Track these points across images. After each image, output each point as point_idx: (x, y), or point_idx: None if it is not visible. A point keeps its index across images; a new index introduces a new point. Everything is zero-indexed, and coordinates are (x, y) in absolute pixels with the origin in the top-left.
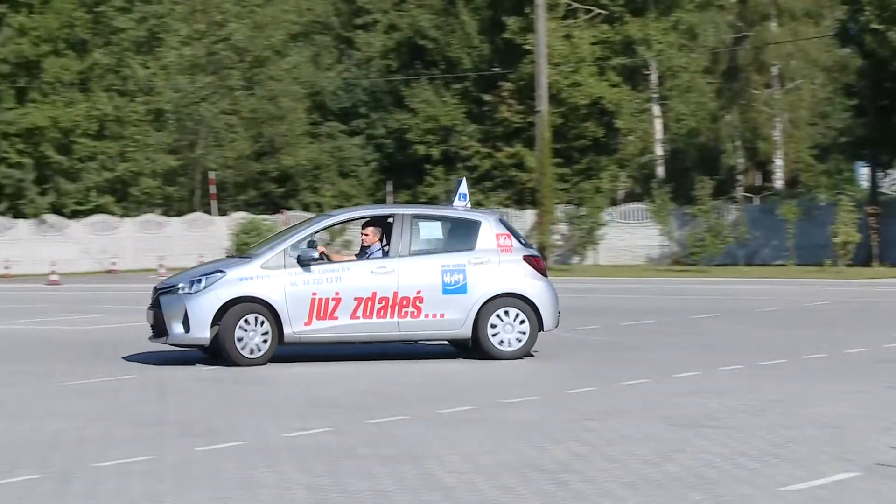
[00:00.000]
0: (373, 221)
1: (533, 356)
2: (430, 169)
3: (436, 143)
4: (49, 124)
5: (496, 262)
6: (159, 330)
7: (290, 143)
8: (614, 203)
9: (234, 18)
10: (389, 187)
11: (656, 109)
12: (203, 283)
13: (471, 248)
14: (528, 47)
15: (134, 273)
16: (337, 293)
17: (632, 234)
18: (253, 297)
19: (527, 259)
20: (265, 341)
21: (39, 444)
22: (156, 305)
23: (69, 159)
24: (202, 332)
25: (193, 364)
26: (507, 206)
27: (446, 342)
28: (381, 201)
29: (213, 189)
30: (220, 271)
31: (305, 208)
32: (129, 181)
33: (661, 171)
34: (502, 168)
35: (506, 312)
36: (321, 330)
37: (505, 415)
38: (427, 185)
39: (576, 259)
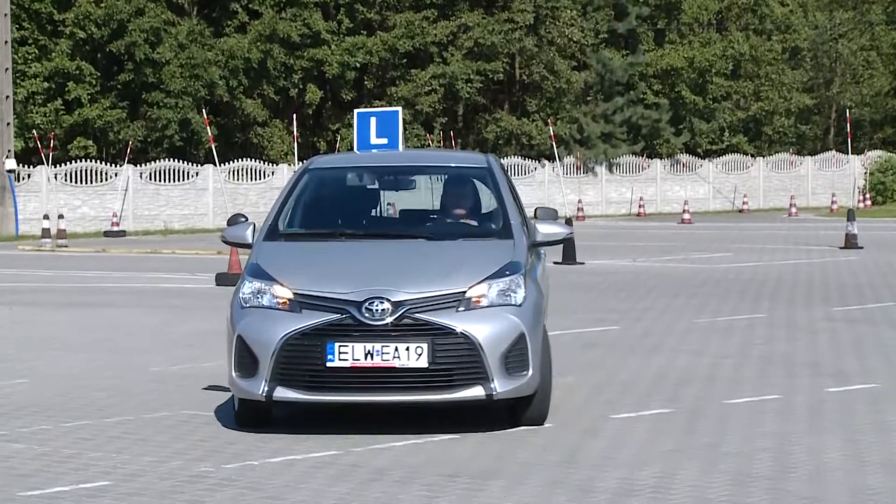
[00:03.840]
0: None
1: None
2: None
3: None
4: (685, 65)
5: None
6: (460, 375)
7: None
8: None
9: None
10: None
11: None
12: (523, 287)
13: None
14: None
15: (763, 212)
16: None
17: None
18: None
19: None
20: None
21: (671, 379)
22: (425, 330)
23: (704, 99)
24: (537, 369)
25: (811, 308)
26: None
27: None
28: None
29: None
30: (515, 262)
31: None
32: (762, 120)
33: None
34: None
35: None
36: None
37: None
38: None
39: None
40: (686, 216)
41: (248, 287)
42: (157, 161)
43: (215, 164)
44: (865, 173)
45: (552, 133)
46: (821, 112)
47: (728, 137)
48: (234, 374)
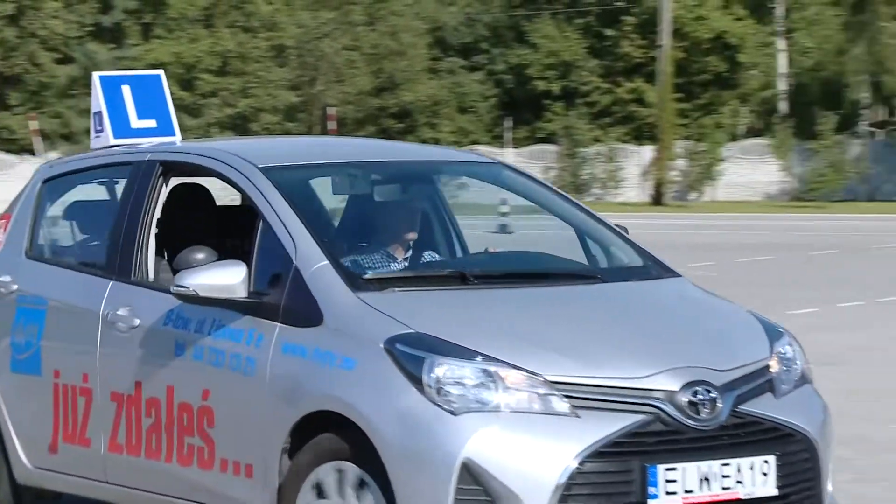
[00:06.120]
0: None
1: None
2: (550, 105)
3: (556, 78)
4: (173, 60)
5: None
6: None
7: (409, 78)
8: (734, 138)
9: None
10: (508, 123)
11: (781, 43)
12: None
13: None
14: None
15: None
16: None
17: (751, 170)
18: None
19: None
20: None
21: None
22: (764, 434)
23: (192, 95)
24: None
25: None
26: (625, 141)
27: None
28: (499, 137)
29: (332, 125)
30: (761, 316)
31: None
32: (249, 117)
33: (783, 105)
34: (622, 103)
35: None
36: None
37: None
38: (546, 120)
39: (693, 195)
40: None
41: (444, 373)
42: None
43: None
44: None
45: (34, 127)
46: (306, 109)
47: (216, 134)
48: None
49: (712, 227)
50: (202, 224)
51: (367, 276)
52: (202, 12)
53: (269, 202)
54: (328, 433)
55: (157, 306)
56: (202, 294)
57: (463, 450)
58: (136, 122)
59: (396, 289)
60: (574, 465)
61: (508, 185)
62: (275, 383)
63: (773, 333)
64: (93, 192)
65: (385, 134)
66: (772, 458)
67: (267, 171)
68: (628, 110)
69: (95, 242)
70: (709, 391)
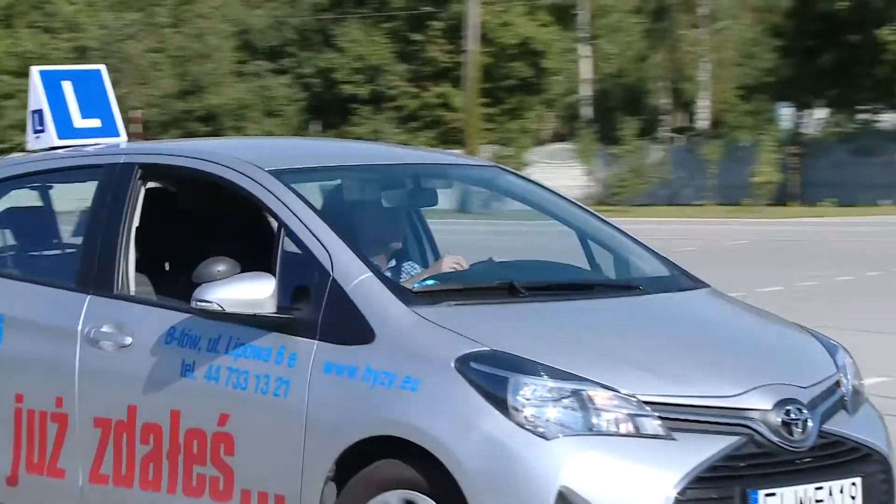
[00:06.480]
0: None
1: None
2: (357, 108)
3: (363, 82)
4: None
5: None
6: None
7: (216, 81)
8: (540, 143)
9: None
10: (316, 127)
11: (584, 49)
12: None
13: None
14: None
15: None
16: None
17: (556, 175)
18: None
19: None
20: None
21: None
22: (850, 454)
23: None
24: None
25: None
26: (433, 145)
27: None
28: None
29: (137, 127)
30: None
31: None
32: None
33: (587, 111)
34: (429, 108)
35: None
36: None
37: None
38: (353, 124)
39: None
40: None
41: (531, 393)
42: None
43: None
44: None
45: None
46: None
47: (16, 136)
48: None
49: (516, 233)
50: (174, 231)
51: (416, 289)
52: (0, 12)
53: (290, 209)
54: (390, 459)
55: (154, 322)
56: (228, 309)
57: (559, 477)
58: (79, 122)
59: (451, 302)
60: (675, 492)
61: (506, 189)
62: (316, 407)
63: (830, 347)
64: (23, 198)
65: (192, 137)
66: (859, 481)
67: (279, 175)
68: (435, 115)
69: (44, 252)
70: (801, 410)
